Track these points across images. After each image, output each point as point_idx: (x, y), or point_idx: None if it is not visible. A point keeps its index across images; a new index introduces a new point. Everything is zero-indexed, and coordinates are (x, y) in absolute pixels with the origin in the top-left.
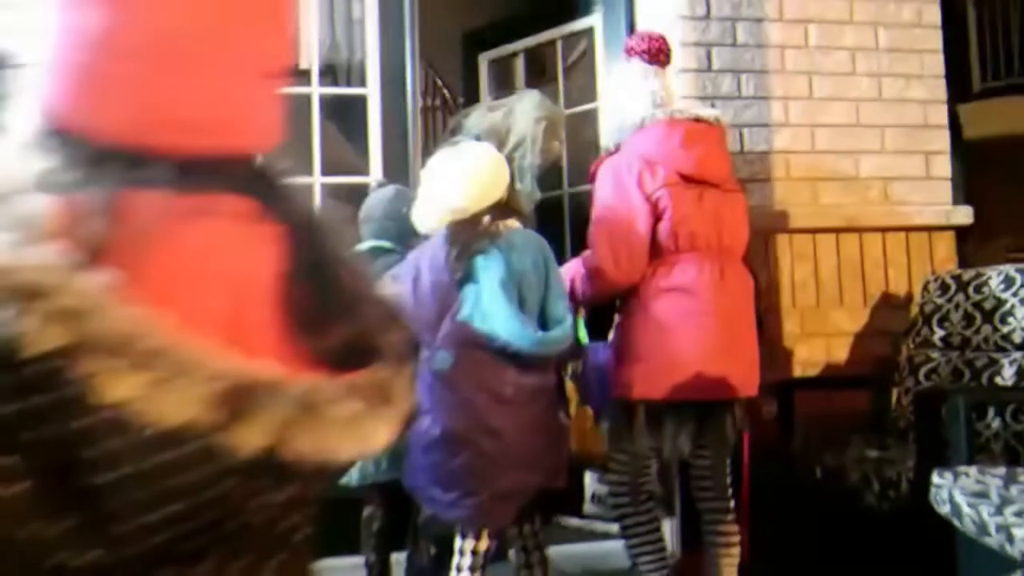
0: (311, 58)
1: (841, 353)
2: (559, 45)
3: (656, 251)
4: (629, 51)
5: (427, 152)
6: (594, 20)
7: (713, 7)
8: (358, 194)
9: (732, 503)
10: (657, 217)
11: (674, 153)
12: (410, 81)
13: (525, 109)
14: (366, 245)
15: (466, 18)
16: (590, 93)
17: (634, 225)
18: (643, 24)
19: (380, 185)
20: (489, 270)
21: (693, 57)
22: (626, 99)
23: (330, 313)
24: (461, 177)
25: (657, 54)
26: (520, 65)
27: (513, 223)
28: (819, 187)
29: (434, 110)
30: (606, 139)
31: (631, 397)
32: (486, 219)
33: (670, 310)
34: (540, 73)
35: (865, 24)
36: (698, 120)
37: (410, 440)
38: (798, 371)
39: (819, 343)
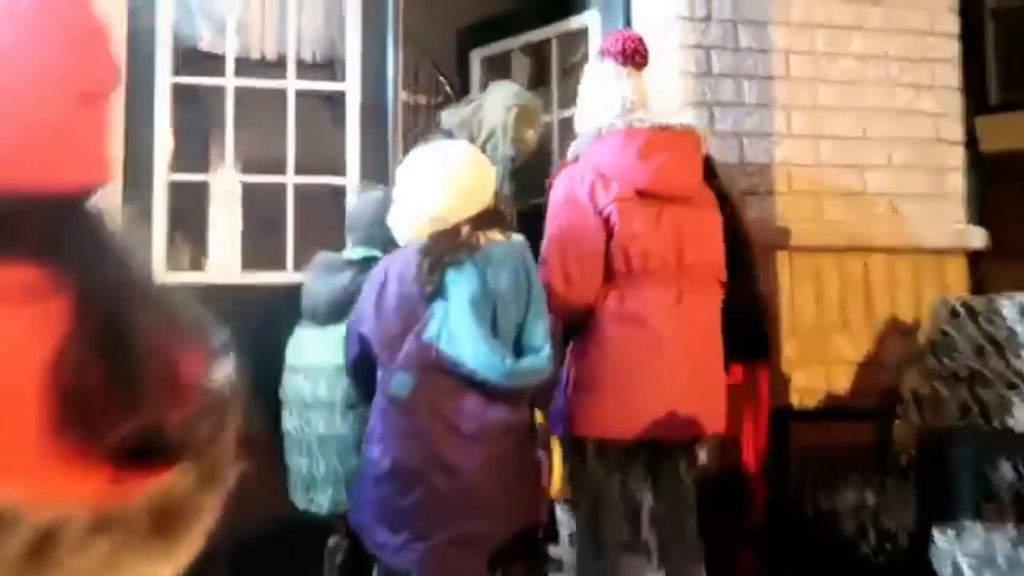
0: (287, 49)
1: (842, 382)
2: (554, 44)
3: (609, 272)
4: (602, 52)
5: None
6: (589, 19)
7: (714, 8)
8: (337, 195)
9: (701, 551)
10: (608, 234)
11: (629, 165)
12: (391, 75)
13: (496, 100)
14: (354, 254)
15: (465, 14)
16: None
17: (585, 241)
18: (640, 24)
19: (365, 188)
20: (460, 286)
21: (692, 60)
22: (594, 103)
23: (126, 399)
24: (442, 182)
25: (632, 55)
26: (514, 63)
27: (495, 235)
28: (823, 202)
29: (437, 108)
30: (571, 148)
31: (579, 434)
32: (465, 229)
33: (622, 339)
34: (535, 72)
35: (876, 30)
36: (663, 128)
37: (360, 470)
38: (795, 400)
39: (818, 370)
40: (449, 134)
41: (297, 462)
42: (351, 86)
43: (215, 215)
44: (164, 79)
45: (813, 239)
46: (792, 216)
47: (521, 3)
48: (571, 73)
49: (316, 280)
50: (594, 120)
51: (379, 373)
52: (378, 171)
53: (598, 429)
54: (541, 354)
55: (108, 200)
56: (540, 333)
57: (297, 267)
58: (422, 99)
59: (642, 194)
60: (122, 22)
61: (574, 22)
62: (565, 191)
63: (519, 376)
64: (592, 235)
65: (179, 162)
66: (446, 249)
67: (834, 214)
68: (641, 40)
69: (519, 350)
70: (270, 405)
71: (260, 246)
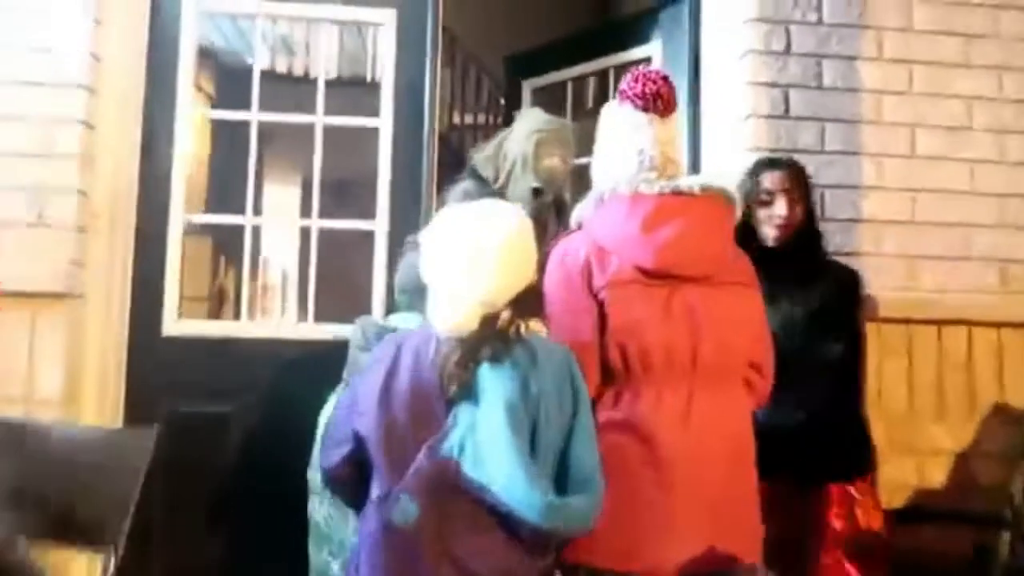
0: (317, 76)
1: (937, 477)
2: (611, 76)
3: (605, 369)
4: (620, 94)
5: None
6: (652, 49)
7: (794, 41)
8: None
9: None
10: (603, 323)
11: (631, 238)
12: (427, 110)
13: (519, 129)
14: (404, 321)
15: (516, 41)
16: None
17: (578, 330)
18: (709, 57)
19: (414, 245)
20: (496, 389)
21: (766, 100)
22: (608, 157)
23: None
24: (496, 260)
25: (653, 99)
26: (568, 95)
27: (537, 325)
28: (918, 267)
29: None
30: (574, 213)
31: (569, 559)
32: (505, 315)
33: (619, 452)
34: (586, 105)
35: (985, 68)
36: (676, 192)
37: None
38: (880, 497)
39: (908, 463)
40: (473, 171)
41: (321, 560)
42: (384, 121)
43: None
44: (184, 111)
45: (906, 309)
46: (881, 282)
47: (577, 31)
48: None
49: (360, 351)
50: (607, 178)
51: (374, 487)
52: (410, 214)
53: (588, 556)
54: (593, 491)
55: (121, 241)
56: (590, 459)
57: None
58: (480, 118)
59: (648, 273)
60: (142, 53)
61: (635, 53)
62: (558, 266)
63: (563, 518)
64: (583, 323)
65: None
66: (483, 338)
67: (931, 280)
68: (666, 80)
69: (560, 480)
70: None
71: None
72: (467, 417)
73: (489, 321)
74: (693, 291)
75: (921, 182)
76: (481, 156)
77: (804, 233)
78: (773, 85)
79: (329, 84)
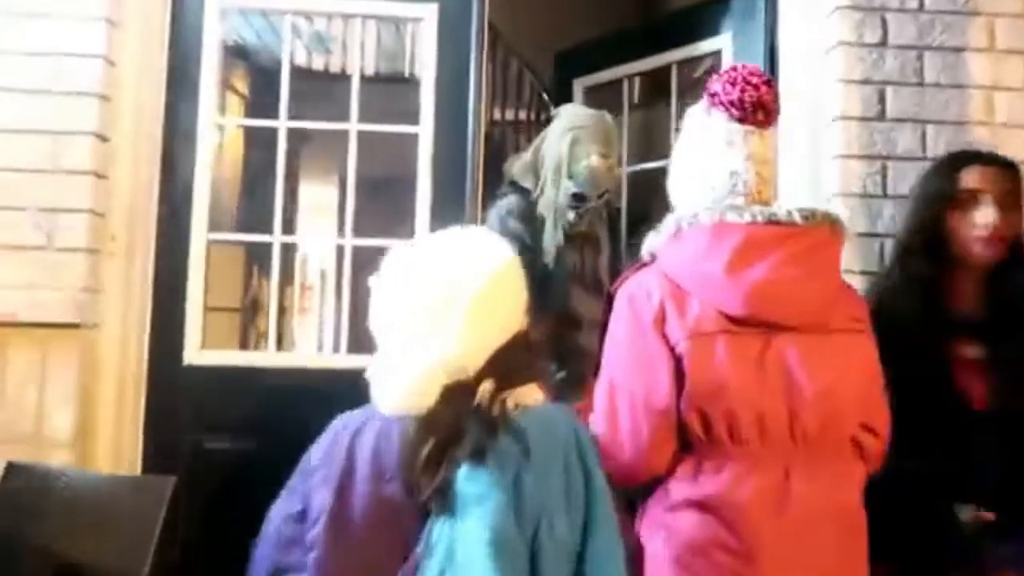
0: (352, 74)
1: None
2: (673, 72)
3: (682, 437)
4: (710, 98)
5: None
6: (721, 42)
7: (891, 30)
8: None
9: None
10: (681, 381)
11: (715, 279)
12: (471, 113)
13: (554, 129)
14: None
15: (568, 34)
16: None
17: (652, 390)
18: (787, 51)
19: None
20: (478, 511)
21: (858, 100)
22: (691, 175)
23: None
24: (465, 312)
25: (753, 108)
26: (625, 94)
27: (530, 394)
28: None
29: (543, 124)
30: (647, 242)
31: None
32: (487, 386)
33: (691, 538)
34: (645, 104)
35: None
36: (771, 223)
37: None
38: None
39: None
40: (512, 184)
41: None
42: (424, 129)
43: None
44: (208, 119)
45: None
46: None
47: (635, 23)
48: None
49: None
50: (687, 201)
51: None
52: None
53: None
54: None
55: (139, 265)
56: (614, 566)
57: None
58: (523, 114)
59: (737, 321)
60: (162, 56)
61: (701, 47)
62: (627, 310)
63: None
64: (658, 381)
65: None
66: (455, 431)
67: None
68: (769, 84)
69: None
70: None
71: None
72: (445, 539)
73: (459, 393)
74: (792, 342)
75: None
76: (519, 165)
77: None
78: (866, 82)
79: (368, 80)
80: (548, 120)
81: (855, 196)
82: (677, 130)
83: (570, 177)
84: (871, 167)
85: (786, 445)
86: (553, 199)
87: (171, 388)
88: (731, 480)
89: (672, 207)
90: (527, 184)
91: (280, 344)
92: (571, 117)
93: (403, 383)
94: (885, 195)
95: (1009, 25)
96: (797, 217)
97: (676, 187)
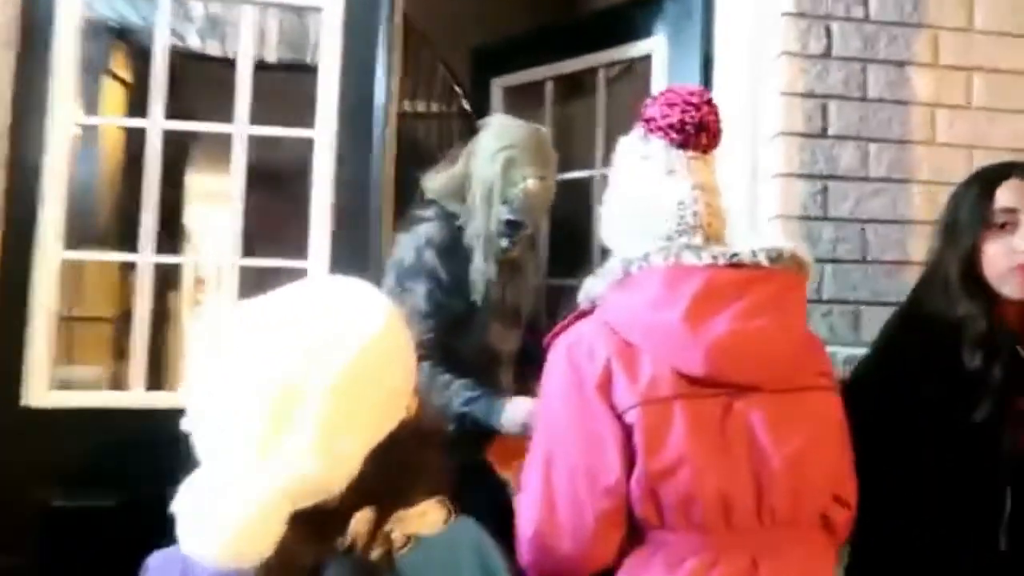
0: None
1: None
2: (600, 76)
3: (632, 522)
4: (647, 123)
5: None
6: (653, 45)
7: (835, 40)
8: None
9: None
10: (630, 457)
11: (671, 332)
12: (378, 127)
13: (485, 147)
14: None
15: (486, 29)
16: None
17: (596, 464)
18: (722, 57)
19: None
20: None
21: (800, 114)
22: (631, 209)
23: None
24: (318, 405)
25: (696, 132)
26: (547, 97)
27: (428, 513)
28: None
29: (457, 117)
30: (585, 288)
31: None
32: (363, 517)
33: None
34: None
35: None
36: (735, 265)
37: None
38: None
39: None
40: (433, 204)
41: None
42: (320, 131)
43: None
44: (62, 116)
45: None
46: None
47: (560, 22)
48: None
49: None
50: (628, 241)
51: None
52: (354, 261)
53: None
54: None
55: None
56: None
57: None
58: (434, 107)
59: (695, 382)
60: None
61: (630, 50)
62: (566, 371)
63: None
64: (603, 459)
65: None
66: None
67: None
68: (710, 104)
69: None
70: None
71: None
72: None
73: (318, 526)
74: (756, 404)
75: None
76: (440, 183)
77: None
78: (807, 95)
79: (267, 69)
80: (461, 112)
81: (795, 218)
82: (609, 142)
83: (504, 202)
84: (812, 187)
85: (753, 529)
86: (483, 227)
87: (9, 435)
88: (691, 575)
89: (609, 249)
90: (451, 207)
91: (156, 366)
92: (502, 133)
93: (227, 523)
94: (825, 217)
95: (957, 37)
96: (763, 259)
97: (613, 226)
